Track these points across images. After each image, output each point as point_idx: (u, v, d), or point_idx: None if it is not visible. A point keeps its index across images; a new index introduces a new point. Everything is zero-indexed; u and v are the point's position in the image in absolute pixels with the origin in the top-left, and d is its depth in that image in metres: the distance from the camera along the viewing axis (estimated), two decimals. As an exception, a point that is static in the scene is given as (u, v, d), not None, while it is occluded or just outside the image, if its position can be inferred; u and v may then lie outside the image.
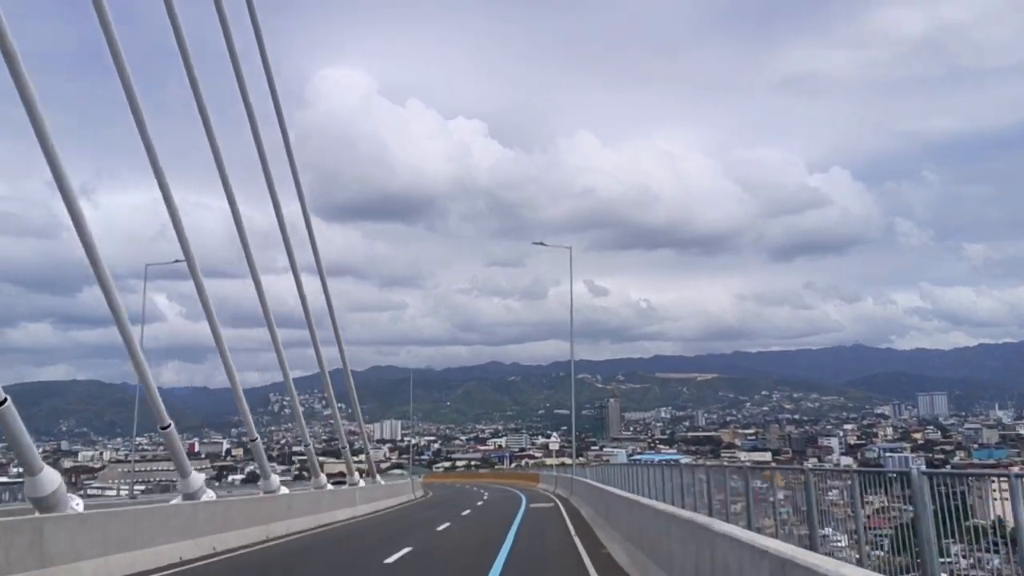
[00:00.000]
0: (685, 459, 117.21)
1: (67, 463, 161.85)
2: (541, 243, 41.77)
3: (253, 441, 30.17)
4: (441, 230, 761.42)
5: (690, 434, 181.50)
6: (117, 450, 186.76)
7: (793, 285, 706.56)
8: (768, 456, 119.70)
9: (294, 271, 30.79)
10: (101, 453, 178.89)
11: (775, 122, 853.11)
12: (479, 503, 40.83)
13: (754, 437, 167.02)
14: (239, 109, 26.63)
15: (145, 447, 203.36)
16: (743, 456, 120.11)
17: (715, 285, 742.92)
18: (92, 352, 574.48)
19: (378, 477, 44.97)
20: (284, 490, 30.14)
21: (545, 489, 56.42)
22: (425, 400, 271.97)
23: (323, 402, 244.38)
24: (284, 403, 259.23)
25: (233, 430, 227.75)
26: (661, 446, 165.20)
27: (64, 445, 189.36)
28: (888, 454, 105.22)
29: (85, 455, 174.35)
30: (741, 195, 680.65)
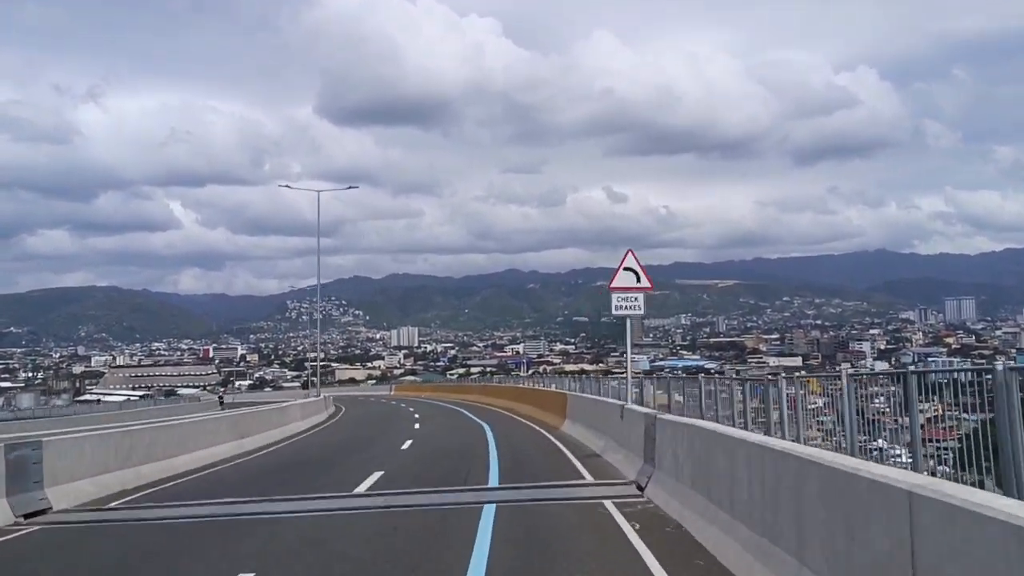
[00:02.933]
0: (709, 365, 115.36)
1: (79, 368, 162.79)
2: None
3: None
4: (456, 136, 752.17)
5: (712, 340, 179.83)
6: (134, 355, 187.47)
7: (816, 190, 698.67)
8: (798, 361, 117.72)
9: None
10: (114, 358, 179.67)
11: (802, 21, 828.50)
12: None
13: (779, 342, 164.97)
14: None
15: (162, 351, 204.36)
16: (772, 361, 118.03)
17: (736, 192, 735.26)
18: (111, 259, 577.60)
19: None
20: None
21: (596, 459, 17.23)
22: (443, 307, 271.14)
23: (341, 308, 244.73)
24: (302, 309, 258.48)
25: (251, 336, 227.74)
26: (683, 352, 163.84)
27: (81, 351, 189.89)
28: (930, 359, 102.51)
29: (99, 360, 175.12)
30: (766, 96, 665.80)
